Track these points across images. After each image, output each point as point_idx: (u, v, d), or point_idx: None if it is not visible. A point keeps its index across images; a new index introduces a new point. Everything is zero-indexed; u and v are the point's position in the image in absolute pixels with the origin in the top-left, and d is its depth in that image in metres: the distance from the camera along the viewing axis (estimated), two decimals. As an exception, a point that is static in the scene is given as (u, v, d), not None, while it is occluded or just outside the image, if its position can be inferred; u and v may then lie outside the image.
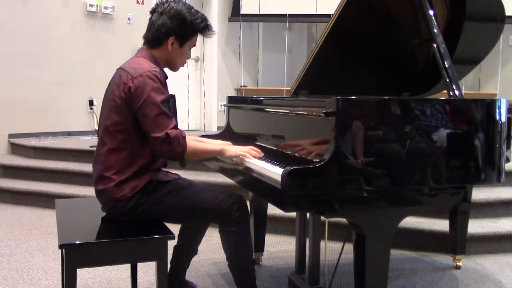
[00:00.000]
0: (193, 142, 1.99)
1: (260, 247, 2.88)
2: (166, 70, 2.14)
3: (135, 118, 1.93)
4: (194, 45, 2.14)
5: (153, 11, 2.07)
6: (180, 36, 2.04)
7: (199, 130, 6.87)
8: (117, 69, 2.05)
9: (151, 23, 2.06)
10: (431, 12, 2.23)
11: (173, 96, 4.68)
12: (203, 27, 2.08)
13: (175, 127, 1.93)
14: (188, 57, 2.15)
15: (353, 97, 1.68)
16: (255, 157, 2.03)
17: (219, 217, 2.03)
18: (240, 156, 2.05)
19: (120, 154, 1.95)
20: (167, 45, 2.04)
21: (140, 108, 1.90)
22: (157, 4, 2.07)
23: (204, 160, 2.55)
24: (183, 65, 2.18)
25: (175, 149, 1.90)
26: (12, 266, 2.86)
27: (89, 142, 5.01)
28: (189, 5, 2.08)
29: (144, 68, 1.95)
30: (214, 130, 6.58)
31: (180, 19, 2.02)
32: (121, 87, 1.94)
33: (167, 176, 2.10)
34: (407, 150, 1.70)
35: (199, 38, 2.15)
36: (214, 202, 2.01)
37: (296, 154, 1.94)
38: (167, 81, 2.06)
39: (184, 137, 1.93)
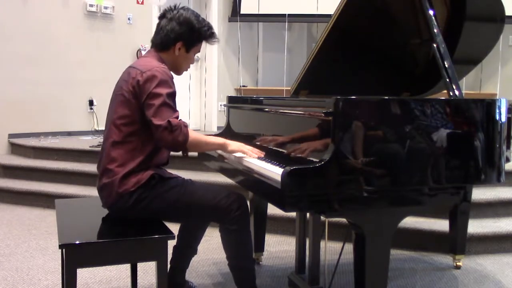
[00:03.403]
0: (195, 133, 2.02)
1: (260, 247, 2.87)
2: None
3: (142, 111, 1.97)
4: (199, 51, 2.23)
5: (162, 16, 2.15)
6: (188, 42, 2.13)
7: (199, 130, 6.87)
8: (126, 68, 2.12)
9: (160, 28, 2.13)
10: (431, 12, 2.22)
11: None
12: (209, 35, 2.18)
13: (177, 117, 1.96)
14: (192, 62, 2.24)
15: (353, 97, 1.68)
16: (256, 155, 2.04)
17: (219, 215, 2.04)
18: (241, 154, 2.06)
19: (124, 147, 1.98)
20: (174, 49, 2.12)
21: (147, 99, 1.95)
22: (166, 10, 2.15)
23: (205, 154, 2.56)
24: (186, 70, 2.25)
25: (177, 137, 1.92)
26: (12, 266, 2.86)
27: (89, 142, 5.01)
28: (196, 13, 2.17)
29: (153, 65, 2.02)
30: (214, 130, 6.58)
31: (188, 26, 2.10)
32: (129, 82, 2.00)
33: (170, 173, 2.12)
34: (407, 150, 1.70)
35: None
36: (214, 200, 2.02)
37: (296, 154, 1.94)
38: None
39: (186, 126, 1.96)
